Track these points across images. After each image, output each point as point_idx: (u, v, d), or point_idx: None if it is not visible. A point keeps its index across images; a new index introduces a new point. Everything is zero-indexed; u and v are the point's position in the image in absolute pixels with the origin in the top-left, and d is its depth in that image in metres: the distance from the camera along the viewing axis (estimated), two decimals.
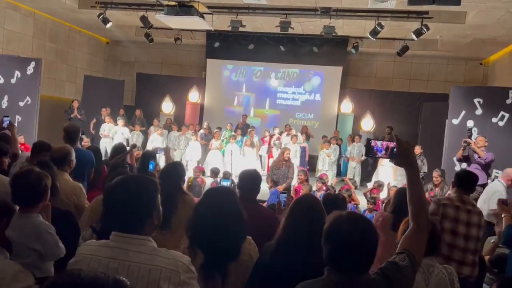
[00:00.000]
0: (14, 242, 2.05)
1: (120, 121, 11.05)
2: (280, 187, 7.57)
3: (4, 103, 8.77)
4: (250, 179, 3.12)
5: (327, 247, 1.57)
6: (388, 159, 1.80)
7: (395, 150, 1.75)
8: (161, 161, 6.99)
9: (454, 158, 7.41)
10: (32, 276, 1.89)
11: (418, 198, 1.72)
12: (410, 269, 1.60)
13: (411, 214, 1.73)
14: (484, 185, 6.68)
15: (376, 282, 1.54)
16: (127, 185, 1.63)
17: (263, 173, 9.17)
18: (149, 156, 4.37)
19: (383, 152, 1.78)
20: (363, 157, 11.12)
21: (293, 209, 2.37)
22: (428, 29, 9.32)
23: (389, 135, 11.88)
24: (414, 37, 9.69)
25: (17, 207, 2.19)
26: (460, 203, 3.51)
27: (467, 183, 3.72)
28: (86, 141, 8.40)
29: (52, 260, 2.08)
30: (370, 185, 9.73)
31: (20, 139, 7.55)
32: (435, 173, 6.78)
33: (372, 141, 1.79)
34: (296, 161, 9.95)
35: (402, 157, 1.74)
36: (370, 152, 1.79)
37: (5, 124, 4.19)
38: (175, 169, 3.32)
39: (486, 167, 6.73)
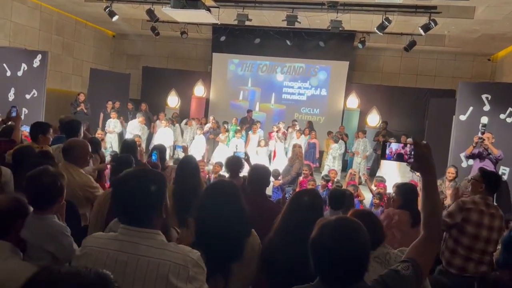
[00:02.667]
0: (29, 244, 2.00)
1: (140, 118, 11.08)
2: (276, 182, 7.57)
3: (11, 96, 8.80)
4: (260, 174, 3.09)
5: (312, 258, 1.48)
6: (406, 163, 1.74)
7: (411, 153, 1.68)
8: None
9: (462, 155, 7.37)
10: None
11: (432, 205, 1.64)
12: (413, 279, 1.49)
13: (423, 221, 1.65)
14: None
15: None
16: (136, 178, 1.61)
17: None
18: (158, 149, 4.34)
19: (394, 157, 1.73)
20: (368, 153, 11.09)
21: (292, 202, 2.38)
22: (436, 24, 9.24)
23: (384, 130, 11.84)
24: (421, 32, 9.60)
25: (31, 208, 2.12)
26: (485, 207, 3.45)
27: (497, 185, 3.65)
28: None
29: (66, 262, 2.02)
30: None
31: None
32: (452, 169, 6.72)
33: (387, 145, 1.74)
34: None
35: (418, 161, 1.66)
36: (384, 156, 1.75)
37: (13, 114, 4.39)
38: (191, 163, 3.29)
39: (495, 165, 6.68)
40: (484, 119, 7.20)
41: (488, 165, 6.55)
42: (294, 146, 8.54)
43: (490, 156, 6.61)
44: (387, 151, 1.75)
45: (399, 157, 1.75)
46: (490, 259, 3.44)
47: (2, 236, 1.86)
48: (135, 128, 10.82)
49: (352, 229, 1.47)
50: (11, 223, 1.88)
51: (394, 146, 1.75)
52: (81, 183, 3.33)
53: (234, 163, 3.96)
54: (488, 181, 3.56)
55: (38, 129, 4.04)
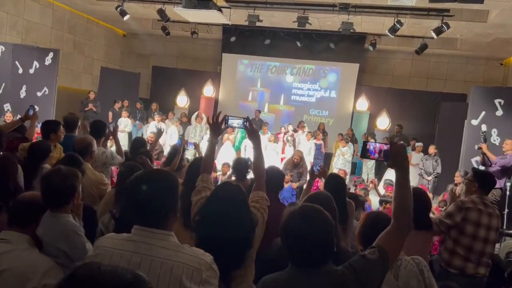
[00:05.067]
0: (44, 242, 2.04)
1: (157, 117, 11.10)
2: (294, 185, 7.60)
3: (22, 93, 8.87)
4: (273, 176, 3.05)
5: (283, 244, 1.63)
6: (384, 161, 1.88)
7: (388, 152, 1.82)
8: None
9: (473, 160, 7.31)
10: (63, 273, 1.84)
11: (402, 199, 1.77)
12: (379, 263, 1.61)
13: (393, 212, 1.78)
14: (500, 189, 6.57)
15: (338, 272, 1.57)
16: (150, 180, 1.62)
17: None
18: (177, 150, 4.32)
19: (377, 155, 1.86)
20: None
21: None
22: (448, 27, 9.15)
23: (398, 133, 11.76)
24: (434, 35, 9.51)
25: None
26: (483, 206, 3.46)
27: (490, 183, 3.66)
28: None
29: (79, 261, 2.03)
30: (381, 184, 9.65)
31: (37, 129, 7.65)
32: (457, 173, 6.69)
33: (368, 144, 1.87)
34: (310, 158, 9.92)
35: (393, 159, 1.79)
36: (365, 154, 1.88)
37: (30, 113, 4.48)
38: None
39: (505, 172, 6.55)
40: (484, 127, 7.19)
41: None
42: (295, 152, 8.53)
43: (493, 164, 6.55)
44: (369, 151, 1.87)
45: (380, 155, 1.87)
46: (487, 261, 3.43)
47: (23, 225, 1.92)
48: (154, 128, 10.86)
49: (316, 214, 1.63)
50: (34, 216, 1.95)
51: (372, 145, 1.87)
52: (95, 180, 3.40)
53: (241, 165, 3.95)
54: (481, 180, 3.60)
55: (50, 127, 4.11)
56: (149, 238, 1.55)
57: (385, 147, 1.82)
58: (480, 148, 6.67)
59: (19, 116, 4.94)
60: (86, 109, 11.10)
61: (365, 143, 1.87)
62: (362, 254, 1.64)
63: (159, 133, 5.27)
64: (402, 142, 1.89)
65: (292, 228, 1.59)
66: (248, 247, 2.11)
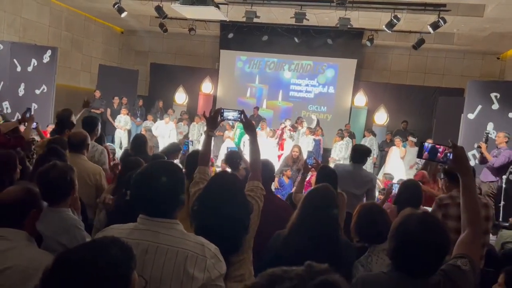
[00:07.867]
0: (45, 236, 2.04)
1: (166, 119, 11.11)
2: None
3: (21, 91, 8.89)
4: (265, 169, 3.11)
5: (392, 243, 1.56)
6: (440, 164, 1.82)
7: (449, 155, 1.75)
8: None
9: (470, 153, 7.34)
10: None
11: (473, 204, 1.71)
12: (471, 274, 1.57)
13: (467, 220, 1.72)
14: (497, 182, 6.61)
15: (440, 284, 1.52)
16: (158, 172, 1.65)
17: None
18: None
19: (438, 157, 1.79)
20: (376, 154, 10.99)
21: (308, 198, 2.39)
22: (445, 22, 9.18)
23: (405, 129, 11.81)
24: (430, 30, 9.54)
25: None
26: None
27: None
28: None
29: None
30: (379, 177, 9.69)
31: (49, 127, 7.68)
32: None
33: (425, 144, 1.81)
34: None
35: (456, 162, 1.72)
36: (422, 154, 1.82)
37: (27, 115, 4.62)
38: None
39: (502, 168, 6.55)
40: (490, 125, 7.20)
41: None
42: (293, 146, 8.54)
43: (489, 163, 6.57)
44: (426, 152, 1.83)
45: (433, 157, 1.82)
46: (480, 255, 3.40)
47: (15, 226, 1.87)
48: (163, 129, 10.89)
49: (440, 224, 1.58)
50: (23, 213, 1.90)
51: (430, 146, 1.83)
52: (92, 170, 3.48)
53: (233, 157, 4.07)
54: (450, 176, 3.59)
55: (65, 125, 4.36)
56: (156, 227, 1.59)
57: (446, 149, 1.76)
58: (479, 147, 6.68)
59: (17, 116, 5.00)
60: (92, 110, 11.12)
61: (421, 144, 1.82)
62: (457, 265, 1.58)
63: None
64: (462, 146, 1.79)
65: (415, 235, 1.51)
66: (245, 233, 2.16)
